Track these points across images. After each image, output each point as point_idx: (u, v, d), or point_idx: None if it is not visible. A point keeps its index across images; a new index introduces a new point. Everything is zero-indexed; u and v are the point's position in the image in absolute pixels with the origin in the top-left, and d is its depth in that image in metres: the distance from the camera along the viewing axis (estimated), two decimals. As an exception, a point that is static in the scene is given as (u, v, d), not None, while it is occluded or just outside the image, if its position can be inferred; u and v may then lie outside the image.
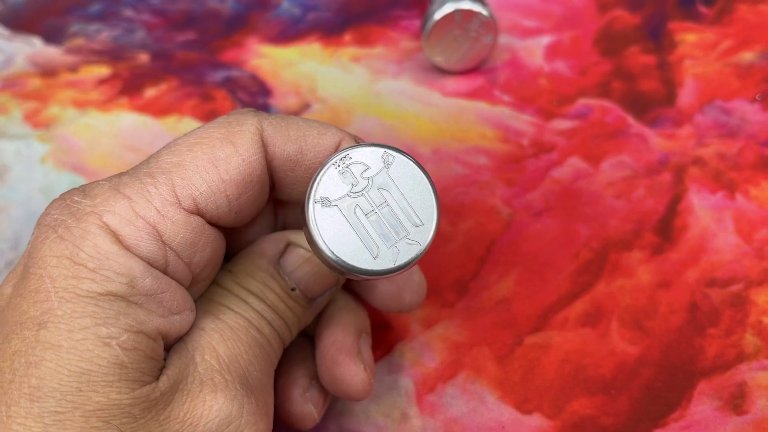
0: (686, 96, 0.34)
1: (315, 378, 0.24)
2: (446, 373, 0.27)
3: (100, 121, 0.36)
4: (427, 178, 0.20)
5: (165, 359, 0.20)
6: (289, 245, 0.23)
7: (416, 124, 0.34)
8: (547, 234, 0.30)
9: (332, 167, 0.20)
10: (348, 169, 0.20)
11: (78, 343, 0.18)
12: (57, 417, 0.18)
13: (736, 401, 0.25)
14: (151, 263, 0.19)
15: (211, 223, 0.21)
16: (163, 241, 0.20)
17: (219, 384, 0.20)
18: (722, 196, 0.30)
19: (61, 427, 0.17)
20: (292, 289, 0.23)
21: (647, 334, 0.27)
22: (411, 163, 0.20)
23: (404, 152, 0.20)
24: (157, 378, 0.19)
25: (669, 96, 0.34)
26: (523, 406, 0.26)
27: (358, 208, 0.20)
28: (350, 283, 0.26)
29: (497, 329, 0.28)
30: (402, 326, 0.28)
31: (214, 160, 0.20)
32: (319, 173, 0.20)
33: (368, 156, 0.20)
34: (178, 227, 0.20)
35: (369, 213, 0.20)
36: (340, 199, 0.20)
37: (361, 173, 0.20)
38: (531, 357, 0.27)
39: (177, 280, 0.20)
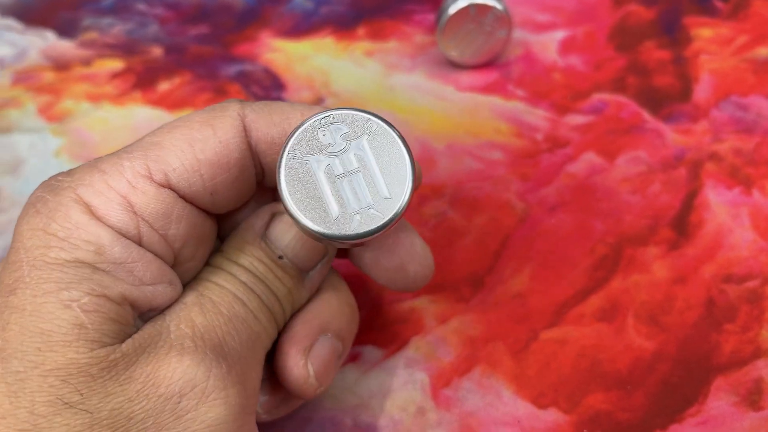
0: (702, 91, 0.34)
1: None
2: (462, 368, 0.27)
3: (114, 114, 0.36)
4: (407, 152, 0.19)
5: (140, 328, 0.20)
6: (275, 214, 0.23)
7: (430, 119, 0.34)
8: (561, 229, 0.30)
9: (313, 122, 0.20)
10: (328, 128, 0.20)
11: (40, 306, 0.19)
12: (18, 377, 0.18)
13: (753, 397, 0.25)
14: (123, 233, 0.20)
15: (186, 200, 0.21)
16: (134, 212, 0.20)
17: (188, 348, 0.19)
18: (738, 192, 0.30)
19: (21, 387, 0.18)
20: (280, 257, 0.22)
21: (663, 329, 0.27)
22: (393, 134, 0.20)
23: (390, 123, 0.20)
24: (122, 342, 0.19)
25: (684, 91, 0.34)
26: (539, 400, 0.26)
27: (329, 168, 0.19)
28: (353, 260, 0.25)
29: (512, 324, 0.28)
30: (417, 320, 0.28)
31: (191, 140, 0.21)
32: (300, 126, 0.20)
33: (352, 119, 0.20)
34: (149, 198, 0.20)
35: (339, 175, 0.19)
36: (313, 155, 0.19)
37: (341, 134, 0.20)
38: (547, 352, 0.27)
39: (154, 253, 0.20)
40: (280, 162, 0.19)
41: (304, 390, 0.23)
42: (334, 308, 0.24)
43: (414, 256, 0.24)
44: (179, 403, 0.19)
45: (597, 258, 0.29)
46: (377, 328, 0.28)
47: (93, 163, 0.21)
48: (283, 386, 0.23)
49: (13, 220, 0.33)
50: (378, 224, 0.19)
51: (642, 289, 0.28)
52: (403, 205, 0.19)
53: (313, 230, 0.19)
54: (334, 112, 0.20)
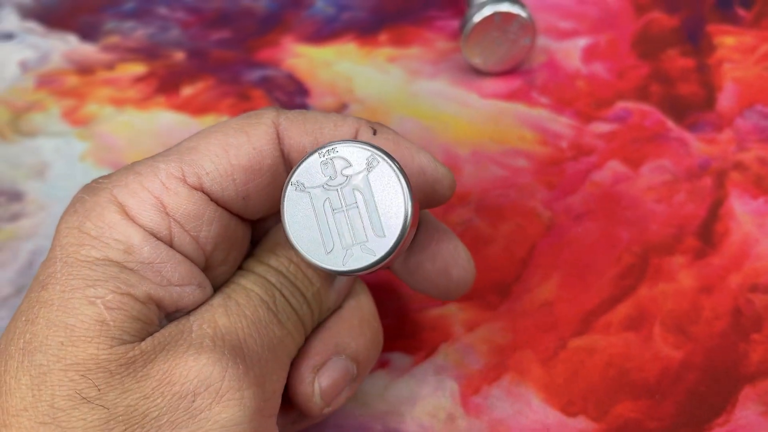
0: (726, 100, 0.34)
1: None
2: (491, 375, 0.27)
3: (138, 119, 0.36)
4: (407, 191, 0.20)
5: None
6: None
7: (454, 126, 0.35)
8: (588, 237, 0.30)
9: (316, 155, 0.20)
10: (331, 161, 0.20)
11: (67, 301, 0.19)
12: (41, 370, 0.18)
13: (781, 407, 0.26)
14: (154, 233, 0.20)
15: (219, 204, 0.21)
16: (167, 213, 0.20)
17: (206, 347, 0.19)
18: (764, 202, 0.30)
19: (43, 380, 0.18)
20: None
21: (690, 338, 0.27)
22: (393, 173, 0.20)
23: (394, 161, 0.20)
24: (143, 340, 0.19)
25: (708, 100, 0.34)
26: (568, 408, 0.26)
27: (328, 201, 0.20)
28: (394, 266, 0.25)
29: (540, 332, 0.28)
30: (445, 327, 0.28)
31: (226, 146, 0.21)
32: (304, 158, 0.20)
33: (354, 154, 0.20)
34: (181, 199, 0.21)
35: (336, 209, 0.20)
36: (314, 187, 0.20)
37: (342, 169, 0.20)
38: (575, 360, 0.27)
39: (185, 254, 0.21)
40: (284, 192, 0.20)
41: (308, 408, 0.23)
42: (354, 329, 0.24)
43: (458, 260, 0.24)
44: (193, 402, 0.19)
45: (623, 267, 0.29)
46: (406, 335, 0.28)
47: (130, 166, 0.21)
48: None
49: (39, 224, 0.33)
50: (368, 262, 0.19)
51: (668, 298, 0.28)
52: (395, 242, 0.19)
53: (309, 261, 0.20)
54: (338, 145, 0.20)
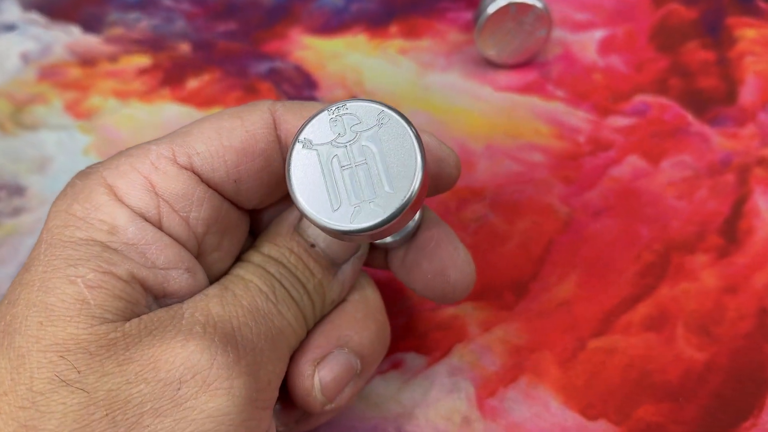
0: (748, 94, 0.33)
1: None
2: (507, 377, 0.26)
3: (142, 111, 0.36)
4: (418, 145, 0.18)
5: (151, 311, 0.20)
6: None
7: (467, 120, 0.34)
8: (607, 234, 0.29)
9: (325, 112, 0.19)
10: (340, 118, 0.19)
11: (48, 281, 0.19)
12: (20, 352, 0.18)
13: (809, 411, 0.25)
14: (142, 213, 0.20)
15: (210, 185, 0.21)
16: (156, 193, 0.20)
17: (196, 334, 0.19)
18: (789, 198, 0.29)
19: (22, 362, 0.18)
20: (312, 246, 0.22)
21: (714, 340, 0.26)
22: (405, 126, 0.19)
23: (404, 116, 0.19)
24: (128, 320, 0.19)
25: (730, 94, 0.33)
26: (588, 411, 0.25)
27: (336, 158, 0.19)
28: (392, 267, 0.24)
29: (558, 332, 0.27)
30: (460, 327, 0.27)
31: (219, 129, 0.21)
32: (313, 116, 0.19)
33: (364, 111, 0.19)
34: (170, 178, 0.20)
35: (345, 166, 0.19)
36: (322, 144, 0.19)
37: (352, 125, 0.19)
38: (595, 361, 0.26)
39: (174, 236, 0.20)
40: (291, 149, 0.19)
41: (308, 403, 0.22)
42: (358, 322, 0.23)
43: (456, 261, 0.23)
44: (179, 389, 0.18)
45: (644, 265, 0.28)
46: (419, 334, 0.27)
47: (124, 150, 0.21)
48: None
49: (40, 219, 0.32)
50: (378, 219, 0.18)
51: (691, 297, 0.27)
52: (406, 200, 0.18)
53: (315, 221, 0.19)
54: (348, 103, 0.19)
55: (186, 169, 0.21)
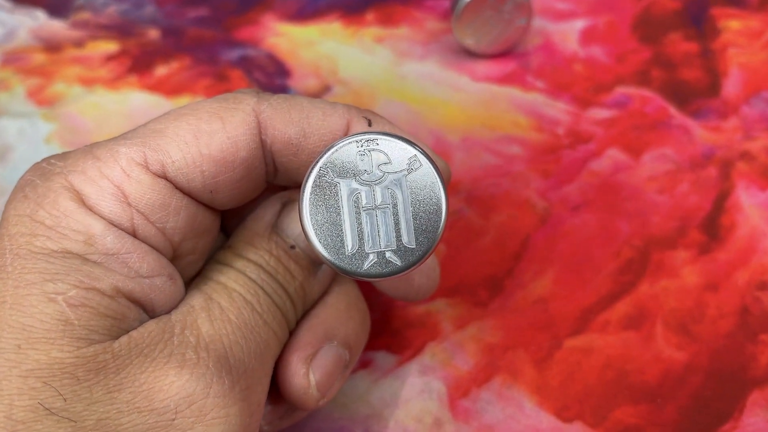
0: (731, 86, 0.32)
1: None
2: (480, 377, 0.25)
3: (108, 99, 0.34)
4: (445, 203, 0.18)
5: (140, 324, 0.19)
6: (286, 203, 0.22)
7: (444, 110, 0.33)
8: (585, 230, 0.28)
9: (354, 144, 0.18)
10: (369, 153, 0.18)
11: (22, 298, 0.17)
12: None
13: (790, 413, 0.24)
14: (115, 224, 0.19)
15: (183, 192, 0.20)
16: (128, 203, 0.19)
17: (189, 360, 0.18)
18: (772, 194, 0.29)
19: None
20: (291, 247, 0.21)
21: (695, 339, 0.25)
22: (436, 180, 0.18)
23: (434, 164, 0.18)
24: (116, 338, 0.18)
25: (713, 86, 0.32)
26: (563, 413, 0.24)
27: (358, 196, 0.18)
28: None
29: (534, 331, 0.26)
30: (433, 325, 0.26)
31: (197, 132, 0.19)
32: (339, 142, 0.18)
33: (396, 151, 0.18)
34: (144, 188, 0.19)
35: (367, 208, 0.18)
36: (346, 178, 0.18)
37: (380, 164, 0.18)
38: (571, 361, 0.25)
39: (151, 245, 0.19)
40: (308, 176, 0.18)
41: (304, 401, 0.21)
42: (341, 314, 0.22)
43: (421, 266, 0.22)
44: (173, 420, 0.17)
45: (623, 261, 0.27)
46: (390, 332, 0.26)
47: (88, 149, 0.19)
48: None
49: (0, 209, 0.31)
50: (390, 270, 0.18)
51: (671, 295, 0.26)
52: (425, 255, 0.18)
53: (325, 258, 0.18)
54: (380, 138, 0.18)
55: (160, 177, 0.19)
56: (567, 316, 0.26)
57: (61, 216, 0.18)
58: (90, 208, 0.18)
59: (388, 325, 0.27)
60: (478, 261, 0.28)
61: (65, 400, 0.16)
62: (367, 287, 0.25)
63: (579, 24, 0.35)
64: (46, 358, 0.17)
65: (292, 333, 0.22)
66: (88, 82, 0.35)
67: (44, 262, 0.18)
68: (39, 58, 0.36)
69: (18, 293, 0.17)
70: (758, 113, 0.31)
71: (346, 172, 0.18)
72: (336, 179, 0.18)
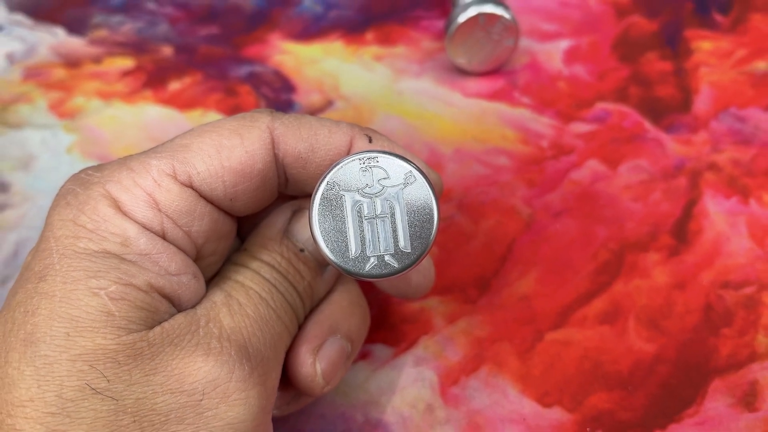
0: (702, 103, 0.35)
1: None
2: (469, 367, 0.28)
3: (125, 112, 0.37)
4: (436, 213, 0.21)
5: (170, 317, 0.21)
6: (296, 211, 0.24)
7: (438, 125, 0.35)
8: (566, 234, 0.31)
9: (357, 161, 0.21)
10: (370, 170, 0.21)
11: (70, 293, 0.19)
12: (47, 360, 0.19)
13: (748, 399, 0.26)
14: (147, 227, 0.21)
15: (207, 200, 0.22)
16: (159, 209, 0.21)
17: (214, 348, 0.20)
18: (736, 201, 0.31)
19: (50, 370, 0.18)
20: (301, 251, 0.23)
21: (663, 333, 0.28)
22: (429, 192, 0.21)
23: (428, 179, 0.21)
24: (150, 328, 0.20)
25: (685, 102, 0.35)
26: (544, 399, 0.27)
27: (360, 207, 0.20)
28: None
29: (518, 325, 0.29)
30: (426, 320, 0.29)
31: (219, 146, 0.22)
32: (344, 160, 0.21)
33: (394, 167, 0.21)
34: (173, 196, 0.21)
35: (368, 217, 0.20)
36: (350, 191, 0.21)
37: (379, 179, 0.21)
38: (551, 353, 0.28)
39: (178, 247, 0.22)
40: (317, 190, 0.20)
41: (311, 388, 0.24)
42: (345, 310, 0.25)
43: (418, 267, 0.25)
44: (201, 401, 0.20)
45: (600, 263, 0.30)
46: (387, 327, 0.29)
47: (122, 161, 0.22)
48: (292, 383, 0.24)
49: (24, 215, 0.33)
50: (387, 272, 0.20)
51: (643, 293, 0.29)
52: (419, 258, 0.20)
53: (331, 261, 0.20)
54: (379, 156, 0.21)
55: (187, 186, 0.21)
56: (548, 312, 0.29)
57: (101, 220, 0.20)
58: (125, 214, 0.21)
59: (385, 320, 0.29)
60: (468, 262, 0.30)
61: (108, 381, 0.19)
62: (367, 286, 0.28)
63: (563, 44, 0.38)
64: (91, 344, 0.19)
65: (300, 327, 0.24)
66: (106, 96, 0.37)
67: (87, 261, 0.20)
68: (59, 72, 0.39)
69: (66, 288, 0.19)
70: (726, 128, 0.34)
71: (350, 186, 0.21)
72: (341, 192, 0.21)
